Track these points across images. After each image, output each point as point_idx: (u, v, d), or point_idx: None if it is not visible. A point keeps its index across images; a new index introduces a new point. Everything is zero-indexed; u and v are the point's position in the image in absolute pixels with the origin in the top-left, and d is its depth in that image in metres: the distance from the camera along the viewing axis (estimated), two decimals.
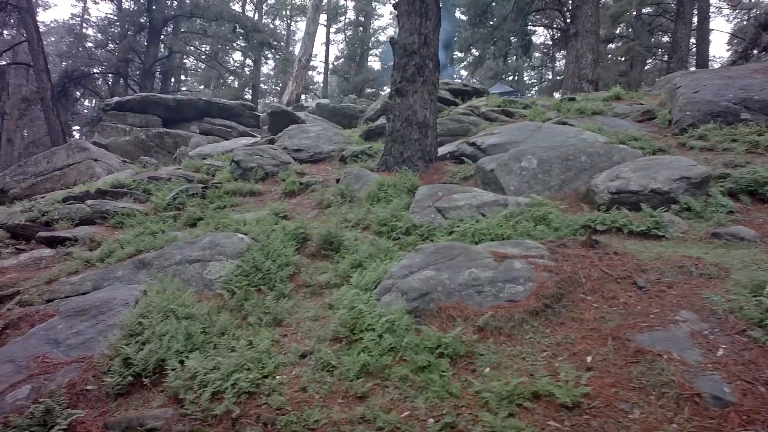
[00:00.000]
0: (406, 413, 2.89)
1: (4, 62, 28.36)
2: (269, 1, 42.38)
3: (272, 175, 10.83)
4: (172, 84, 31.55)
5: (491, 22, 21.35)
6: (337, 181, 9.49)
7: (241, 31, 28.73)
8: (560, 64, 50.90)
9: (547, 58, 45.90)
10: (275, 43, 32.01)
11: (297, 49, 43.01)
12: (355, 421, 2.87)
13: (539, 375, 3.02)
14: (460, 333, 3.48)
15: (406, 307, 3.90)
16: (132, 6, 29.61)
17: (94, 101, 39.83)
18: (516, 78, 40.33)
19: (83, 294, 5.41)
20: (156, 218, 9.85)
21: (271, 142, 13.21)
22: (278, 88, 48.13)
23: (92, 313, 3.99)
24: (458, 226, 5.60)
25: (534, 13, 23.51)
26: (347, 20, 43.20)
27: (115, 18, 30.34)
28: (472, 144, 8.67)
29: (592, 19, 18.24)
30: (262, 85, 44.32)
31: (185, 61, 35.72)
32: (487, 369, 3.25)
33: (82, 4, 37.79)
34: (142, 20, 28.45)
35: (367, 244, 5.45)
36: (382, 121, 14.17)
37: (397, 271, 4.28)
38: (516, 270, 4.04)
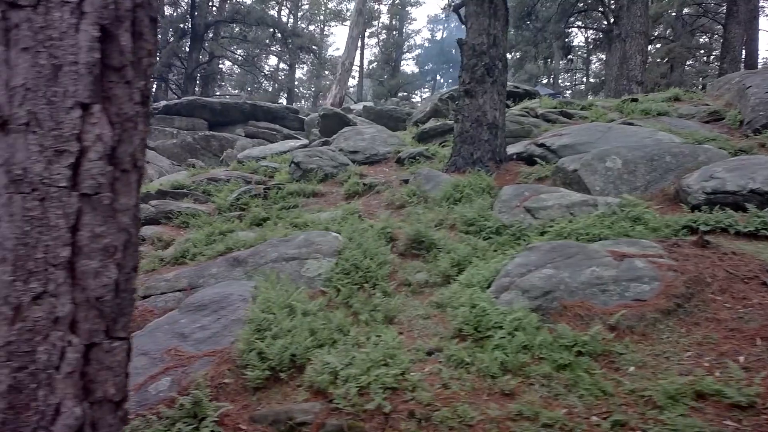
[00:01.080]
0: (563, 410, 2.85)
1: None
2: (304, 7, 42.79)
3: (331, 177, 10.88)
4: (211, 89, 32.09)
5: (535, 25, 21.22)
6: (402, 182, 9.50)
7: (280, 35, 29.13)
8: (596, 66, 50.37)
9: (582, 60, 45.44)
10: (314, 47, 32.41)
11: (329, 53, 43.42)
12: (513, 418, 2.83)
13: (698, 374, 2.95)
14: (596, 332, 3.42)
15: (529, 305, 3.86)
16: (173, 12, 30.24)
17: None
18: (552, 81, 39.97)
19: (180, 290, 5.49)
20: (221, 218, 9.99)
21: (325, 143, 13.29)
22: (311, 92, 48.58)
23: (212, 308, 4.04)
24: (551, 226, 5.54)
25: (575, 15, 23.28)
26: (381, 24, 43.41)
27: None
28: (541, 145, 8.59)
29: (641, 19, 17.96)
30: (295, 90, 44.71)
31: (221, 66, 36.27)
32: (632, 368, 3.19)
33: None
34: (183, 26, 29.03)
35: (464, 244, 5.42)
36: (432, 123, 14.17)
37: (513, 269, 4.25)
38: (639, 269, 3.97)
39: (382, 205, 8.30)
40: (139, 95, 1.58)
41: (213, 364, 3.51)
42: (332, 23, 42.87)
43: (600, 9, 23.64)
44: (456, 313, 4.01)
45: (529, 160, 8.57)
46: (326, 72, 45.07)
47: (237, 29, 30.64)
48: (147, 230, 10.14)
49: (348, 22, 44.10)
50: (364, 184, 9.73)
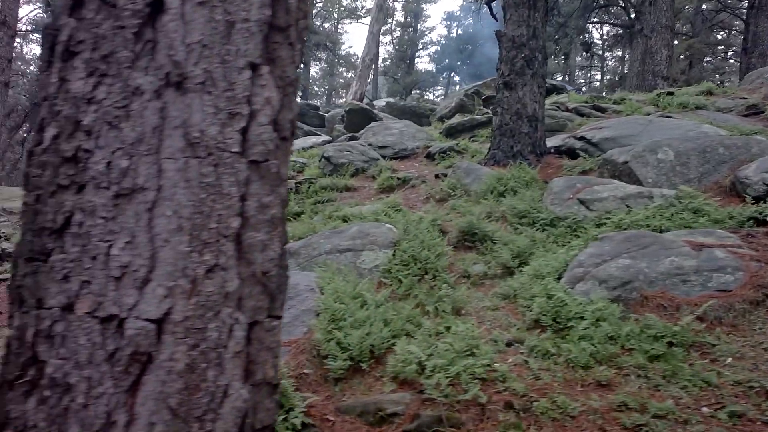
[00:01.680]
0: (668, 401, 2.74)
1: None
2: (318, 4, 42.72)
3: (362, 171, 10.78)
4: None
5: (558, 20, 21.02)
6: (437, 176, 9.40)
7: None
8: (611, 63, 49.95)
9: (597, 57, 45.05)
10: (330, 44, 32.30)
11: (344, 51, 43.28)
12: (618, 409, 2.73)
13: None
14: (688, 323, 3.31)
15: (607, 295, 3.75)
16: None
17: None
18: (567, 78, 39.66)
19: None
20: None
21: (353, 138, 13.20)
22: (324, 90, 48.53)
23: None
24: (608, 218, 5.41)
25: (596, 11, 23.04)
26: (395, 21, 43.27)
27: None
28: (581, 138, 8.44)
29: (667, 13, 17.73)
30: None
31: None
32: (729, 359, 3.08)
33: None
34: None
35: (522, 236, 5.31)
36: (458, 118, 14.04)
37: (586, 259, 4.14)
38: (719, 259, 3.85)
39: (420, 199, 8.20)
40: (299, 58, 1.49)
41: (290, 354, 3.43)
42: (347, 20, 42.74)
43: (621, 4, 23.35)
44: (530, 304, 3.91)
45: (568, 153, 8.44)
46: (341, 69, 45.03)
47: None
48: None
49: (363, 20, 44.07)
50: (398, 179, 9.63)
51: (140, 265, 1.23)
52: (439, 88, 50.76)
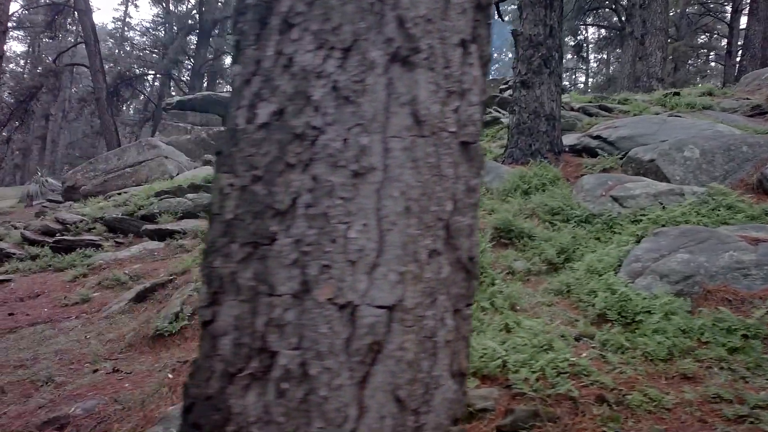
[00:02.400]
0: (762, 393, 2.75)
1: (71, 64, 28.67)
2: None
3: None
4: (216, 86, 31.81)
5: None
6: None
7: None
8: (595, 65, 50.55)
9: (581, 59, 45.53)
10: None
11: None
12: (713, 401, 2.73)
13: None
14: (761, 316, 3.33)
15: (670, 290, 3.76)
16: (181, 9, 29.87)
17: (133, 104, 40.25)
18: None
19: None
20: None
21: None
22: None
23: None
24: (643, 215, 5.45)
25: (588, 12, 23.29)
26: None
27: (161, 20, 30.67)
28: (597, 137, 8.50)
29: (661, 16, 17.96)
30: None
31: (226, 62, 35.92)
32: None
33: (124, 8, 38.29)
34: (191, 22, 28.70)
35: (562, 233, 5.31)
36: None
37: (642, 254, 4.15)
38: None
39: None
40: (491, 38, 1.45)
41: None
42: None
43: (612, 6, 23.65)
44: (590, 299, 3.91)
45: (584, 151, 8.50)
46: None
47: None
48: (187, 223, 9.99)
49: None
50: None
51: (371, 248, 1.18)
52: None
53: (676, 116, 9.61)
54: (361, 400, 1.16)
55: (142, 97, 35.09)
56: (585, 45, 25.99)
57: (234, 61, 1.34)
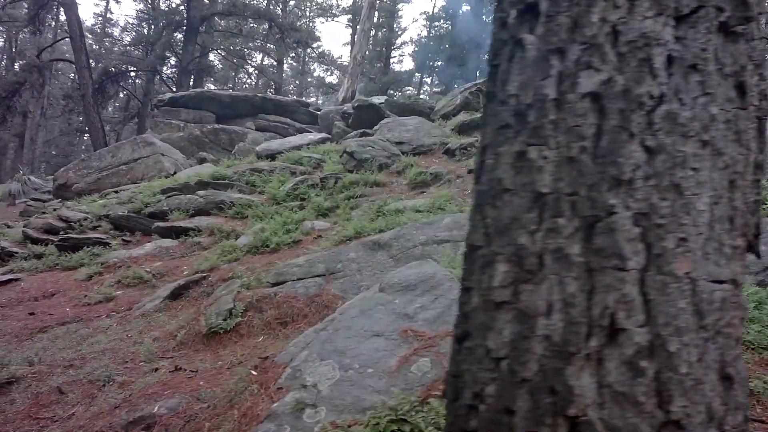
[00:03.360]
0: None
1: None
2: (291, 3, 42.24)
3: (386, 167, 10.69)
4: (202, 83, 31.31)
5: None
6: (470, 171, 9.38)
7: (277, 29, 28.59)
8: None
9: None
10: (312, 42, 31.91)
11: (317, 49, 42.83)
12: None
13: None
14: None
15: (752, 280, 3.79)
16: (168, 4, 29.37)
17: (113, 102, 39.45)
18: None
19: (319, 276, 5.26)
20: (279, 208, 9.71)
21: (364, 135, 13.05)
22: (295, 88, 47.96)
23: (423, 288, 3.83)
24: None
25: None
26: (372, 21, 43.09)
27: (146, 16, 30.06)
28: None
29: None
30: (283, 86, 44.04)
31: (211, 60, 35.50)
32: None
33: (105, 4, 37.52)
34: (178, 18, 28.20)
35: None
36: (465, 116, 14.05)
37: None
38: None
39: (466, 193, 8.15)
40: None
41: None
42: (322, 20, 42.37)
43: None
44: None
45: None
46: (312, 67, 44.62)
47: (232, 22, 29.91)
48: (201, 221, 9.81)
49: (337, 19, 43.84)
50: (431, 174, 9.58)
51: (709, 221, 1.13)
52: (408, 88, 50.95)
53: None
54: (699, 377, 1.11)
55: (122, 95, 34.42)
56: None
57: (513, 31, 1.27)
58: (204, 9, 27.25)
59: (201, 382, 3.82)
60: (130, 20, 32.93)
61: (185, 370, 4.24)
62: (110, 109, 38.25)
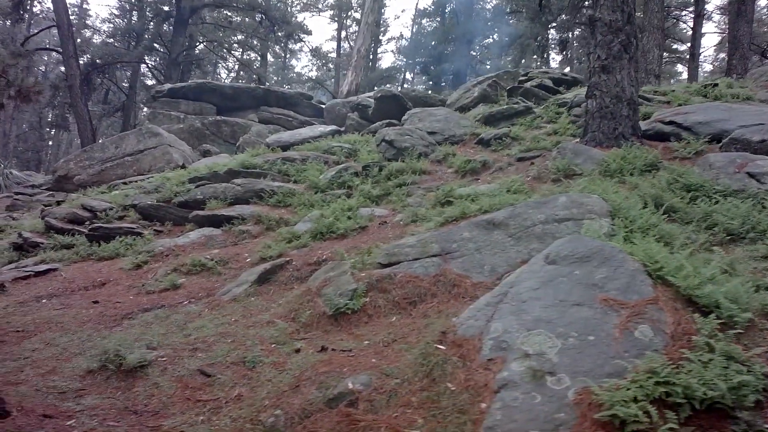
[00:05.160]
0: None
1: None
2: None
3: (425, 156, 10.62)
4: (189, 76, 30.55)
5: (548, 17, 21.61)
6: (519, 159, 9.38)
7: (269, 22, 28.10)
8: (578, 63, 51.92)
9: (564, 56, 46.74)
10: (302, 36, 31.52)
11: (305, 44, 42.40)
12: None
13: None
14: None
15: None
16: None
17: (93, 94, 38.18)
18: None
19: (435, 256, 5.16)
20: (324, 196, 9.55)
21: (390, 125, 12.94)
22: (278, 81, 47.38)
23: (597, 259, 3.77)
24: None
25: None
26: (353, 18, 42.88)
27: (133, 5, 29.18)
28: (670, 122, 8.70)
29: (658, 15, 18.65)
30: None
31: (197, 51, 34.71)
32: None
33: None
34: (167, 9, 27.44)
35: (730, 205, 5.37)
36: (484, 108, 14.07)
37: None
38: None
39: (527, 179, 8.12)
40: None
41: (668, 311, 3.27)
42: (308, 13, 41.93)
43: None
44: None
45: (657, 137, 8.66)
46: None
47: (221, 14, 29.28)
48: (243, 209, 9.59)
49: (324, 14, 43.50)
50: (480, 162, 9.56)
51: None
52: (388, 85, 50.95)
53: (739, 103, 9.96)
54: None
55: (103, 87, 33.39)
56: (566, 41, 26.68)
57: None
58: (194, 0, 26.59)
59: (373, 360, 3.69)
60: (113, 11, 31.89)
61: (334, 349, 4.10)
62: (89, 102, 37.03)
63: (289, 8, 41.95)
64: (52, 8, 23.75)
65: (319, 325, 4.71)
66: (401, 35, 48.01)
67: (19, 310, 6.45)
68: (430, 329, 3.92)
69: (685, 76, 38.45)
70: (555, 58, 46.00)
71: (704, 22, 31.86)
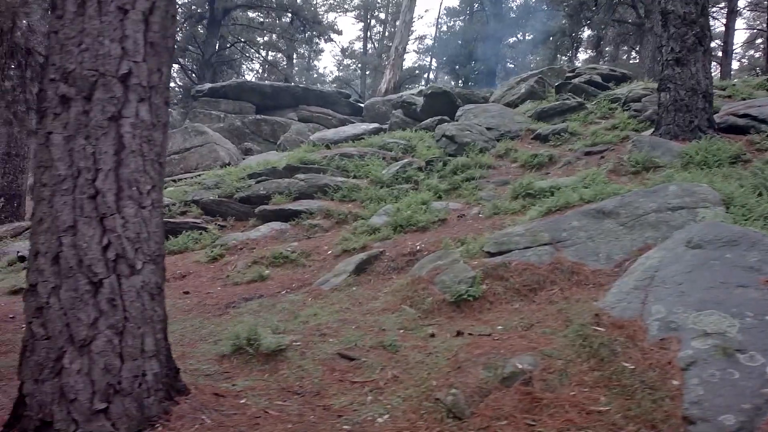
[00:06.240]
0: None
1: None
2: None
3: (485, 151, 10.63)
4: (221, 76, 30.84)
5: (587, 14, 21.50)
6: (587, 153, 9.37)
7: (299, 23, 28.31)
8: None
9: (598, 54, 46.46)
10: (333, 36, 31.75)
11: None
12: None
13: None
14: None
15: None
16: None
17: None
18: None
19: (545, 244, 5.19)
20: (389, 191, 9.61)
21: (442, 122, 12.96)
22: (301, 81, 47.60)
23: (745, 243, 3.77)
24: None
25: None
26: (379, 17, 43.05)
27: None
28: (744, 115, 8.64)
29: None
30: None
31: (226, 52, 35.01)
32: None
33: None
34: (200, 10, 27.73)
35: None
36: (530, 104, 14.06)
37: None
38: None
39: (602, 173, 8.09)
40: None
41: None
42: (336, 13, 42.14)
43: (630, 2, 24.19)
44: None
45: (730, 129, 8.60)
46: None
47: (254, 15, 29.52)
48: (310, 204, 9.68)
49: (350, 14, 43.67)
50: (548, 156, 9.56)
51: None
52: (415, 85, 51.03)
53: None
54: None
55: None
56: (600, 39, 26.49)
57: None
58: (228, 1, 26.84)
59: (523, 342, 3.72)
60: None
61: (471, 334, 4.14)
62: None
63: (316, 9, 42.21)
64: None
65: (440, 311, 4.76)
66: (425, 35, 48.03)
67: None
68: (571, 313, 3.95)
69: (714, 73, 38.10)
70: (578, 57, 45.82)
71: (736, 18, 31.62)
